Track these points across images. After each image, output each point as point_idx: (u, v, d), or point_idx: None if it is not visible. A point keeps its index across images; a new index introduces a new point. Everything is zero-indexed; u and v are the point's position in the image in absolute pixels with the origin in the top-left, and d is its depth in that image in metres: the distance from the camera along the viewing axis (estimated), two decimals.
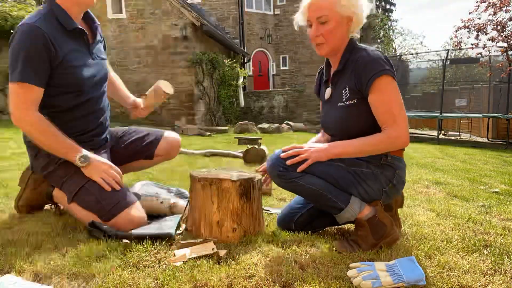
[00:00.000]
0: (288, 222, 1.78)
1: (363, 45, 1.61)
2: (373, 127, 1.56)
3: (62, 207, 1.92)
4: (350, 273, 1.29)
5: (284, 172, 1.54)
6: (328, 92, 1.70)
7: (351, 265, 1.35)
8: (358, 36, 1.66)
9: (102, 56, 1.91)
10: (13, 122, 1.65)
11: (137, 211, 1.70)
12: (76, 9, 1.71)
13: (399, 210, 2.19)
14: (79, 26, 1.72)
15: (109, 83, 2.03)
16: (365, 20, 1.62)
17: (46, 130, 1.63)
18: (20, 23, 1.62)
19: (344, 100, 1.60)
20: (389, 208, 1.75)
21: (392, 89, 1.51)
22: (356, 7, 1.56)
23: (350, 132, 1.58)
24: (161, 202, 1.96)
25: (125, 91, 2.18)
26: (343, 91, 1.60)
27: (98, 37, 1.89)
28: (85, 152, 1.68)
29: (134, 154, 2.04)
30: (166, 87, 2.07)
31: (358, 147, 1.54)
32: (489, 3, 9.99)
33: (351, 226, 1.86)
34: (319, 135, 1.94)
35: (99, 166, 1.69)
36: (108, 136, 1.98)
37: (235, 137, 7.23)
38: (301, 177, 1.54)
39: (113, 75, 2.14)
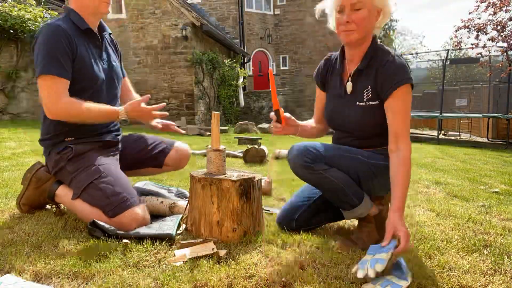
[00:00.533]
0: (289, 220, 1.78)
1: (385, 47, 1.61)
2: (386, 129, 1.56)
3: (62, 207, 1.92)
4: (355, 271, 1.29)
5: (311, 163, 1.53)
6: (349, 86, 1.65)
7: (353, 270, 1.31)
8: (379, 33, 1.66)
9: (113, 62, 1.97)
10: (46, 114, 1.72)
11: (142, 211, 1.72)
12: (91, 19, 1.82)
13: None
14: (91, 28, 1.82)
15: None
16: (391, 16, 1.65)
17: (81, 109, 1.69)
18: (41, 26, 1.75)
19: (365, 100, 1.59)
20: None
21: (409, 100, 1.54)
22: (387, 0, 1.55)
23: (366, 132, 1.62)
24: (161, 202, 1.96)
25: (134, 94, 2.20)
26: (365, 91, 1.60)
27: (107, 44, 1.97)
28: (122, 108, 1.77)
29: (144, 161, 2.05)
30: None
31: (405, 194, 1.46)
32: (489, 3, 10.00)
33: (350, 225, 1.86)
34: (309, 122, 1.84)
35: (140, 111, 1.79)
36: (119, 137, 2.01)
37: (235, 137, 7.23)
38: (327, 170, 1.54)
39: (136, 96, 2.20)
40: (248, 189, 1.63)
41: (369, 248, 1.39)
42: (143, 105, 1.78)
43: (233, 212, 1.61)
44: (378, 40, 1.62)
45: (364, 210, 1.60)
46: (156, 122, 2.02)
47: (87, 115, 1.72)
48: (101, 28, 1.91)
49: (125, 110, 1.77)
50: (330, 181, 1.55)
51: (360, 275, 1.25)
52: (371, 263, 1.27)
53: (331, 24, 1.62)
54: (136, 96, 2.20)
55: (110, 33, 1.99)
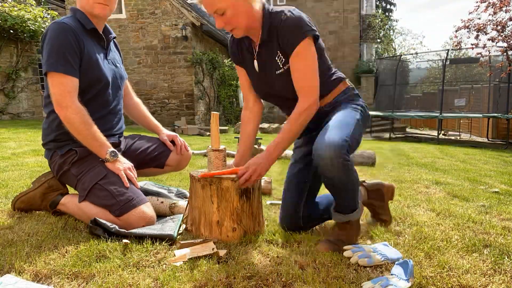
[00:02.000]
0: (296, 219, 1.73)
1: (278, 8, 1.57)
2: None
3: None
4: (346, 253, 1.46)
5: (348, 161, 1.43)
6: (256, 65, 1.67)
7: (344, 247, 1.50)
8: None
9: (118, 64, 1.97)
10: (55, 110, 1.70)
11: (149, 210, 1.73)
12: (94, 20, 1.81)
13: (398, 209, 2.20)
14: (96, 28, 1.83)
15: (133, 108, 2.16)
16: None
17: (88, 121, 1.70)
18: (49, 25, 1.75)
19: (281, 66, 1.59)
20: (381, 198, 1.89)
21: (310, 55, 1.53)
22: None
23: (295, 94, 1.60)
24: (161, 202, 1.96)
25: (153, 120, 2.18)
26: (277, 58, 1.59)
27: (112, 46, 1.98)
28: (113, 148, 1.76)
29: (146, 161, 2.05)
30: None
31: (288, 139, 1.58)
32: (489, 3, 10.00)
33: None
34: (238, 150, 1.83)
35: (124, 163, 1.79)
36: (121, 139, 2.01)
37: (235, 137, 7.23)
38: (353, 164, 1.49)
39: (137, 100, 2.20)
40: (248, 189, 1.63)
41: (378, 246, 1.49)
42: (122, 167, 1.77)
43: (233, 211, 1.61)
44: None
45: (358, 216, 1.63)
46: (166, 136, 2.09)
47: (84, 133, 1.69)
48: (107, 30, 1.92)
49: (117, 157, 1.75)
50: (354, 179, 1.50)
51: (352, 260, 1.40)
52: (368, 261, 1.38)
53: None
54: (138, 101, 2.20)
55: (114, 37, 2.00)
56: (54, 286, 1.20)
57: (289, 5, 1.65)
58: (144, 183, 2.35)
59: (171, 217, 1.85)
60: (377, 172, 3.83)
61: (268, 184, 2.57)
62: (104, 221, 1.57)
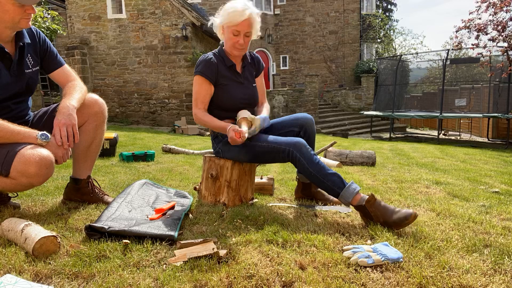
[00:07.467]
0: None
1: None
2: None
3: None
4: (346, 254, 1.47)
5: None
6: (243, 76, 2.26)
7: (344, 247, 1.53)
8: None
9: (26, 70, 1.87)
10: None
11: (30, 150, 1.60)
12: (8, 31, 1.73)
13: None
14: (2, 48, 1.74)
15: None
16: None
17: None
18: None
19: (253, 83, 2.30)
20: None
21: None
22: (257, 30, 2.15)
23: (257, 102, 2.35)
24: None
25: (63, 100, 1.91)
26: (251, 77, 2.30)
27: (23, 52, 1.86)
28: (38, 132, 1.69)
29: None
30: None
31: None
32: (490, 3, 10.01)
33: (350, 222, 1.87)
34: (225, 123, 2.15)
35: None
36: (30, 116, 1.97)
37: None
38: None
39: (73, 84, 1.99)
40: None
41: (378, 246, 1.50)
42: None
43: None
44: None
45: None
46: None
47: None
48: (17, 37, 1.81)
49: (49, 138, 1.67)
50: None
51: (352, 261, 1.41)
52: (368, 260, 1.40)
53: (220, 35, 2.22)
54: (69, 85, 1.97)
55: (27, 43, 1.85)
56: (54, 286, 1.20)
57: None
58: (144, 182, 2.35)
59: (173, 213, 1.84)
60: (377, 172, 3.83)
61: (270, 181, 2.57)
62: (100, 225, 1.57)
